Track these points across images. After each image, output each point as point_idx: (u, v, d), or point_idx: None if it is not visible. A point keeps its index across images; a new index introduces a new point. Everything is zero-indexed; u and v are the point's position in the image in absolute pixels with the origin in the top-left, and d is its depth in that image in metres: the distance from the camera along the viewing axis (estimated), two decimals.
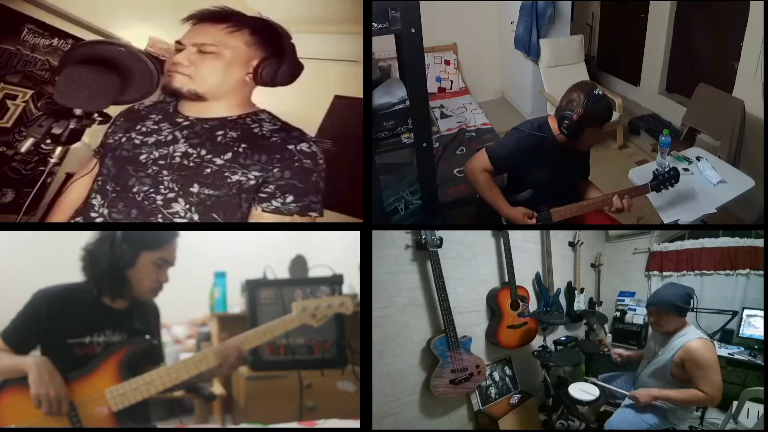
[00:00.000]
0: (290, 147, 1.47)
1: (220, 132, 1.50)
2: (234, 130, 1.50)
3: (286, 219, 1.48)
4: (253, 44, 1.54)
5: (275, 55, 1.56)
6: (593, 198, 2.20)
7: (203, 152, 1.46)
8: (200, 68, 1.48)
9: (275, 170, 1.45)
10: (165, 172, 1.45)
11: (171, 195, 1.44)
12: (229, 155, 1.45)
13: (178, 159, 1.45)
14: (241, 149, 1.46)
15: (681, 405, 1.89)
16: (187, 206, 1.44)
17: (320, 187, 1.51)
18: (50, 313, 1.55)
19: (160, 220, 1.45)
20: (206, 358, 1.58)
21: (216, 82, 1.50)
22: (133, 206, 1.45)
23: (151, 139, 1.51)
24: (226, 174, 1.44)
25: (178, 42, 1.53)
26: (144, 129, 1.54)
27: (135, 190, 1.45)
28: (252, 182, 1.45)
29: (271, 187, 1.46)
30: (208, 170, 1.44)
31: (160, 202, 1.44)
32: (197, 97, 1.50)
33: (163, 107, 1.60)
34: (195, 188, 1.43)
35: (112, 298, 1.62)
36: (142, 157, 1.48)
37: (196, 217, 1.46)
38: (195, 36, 1.51)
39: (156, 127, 1.54)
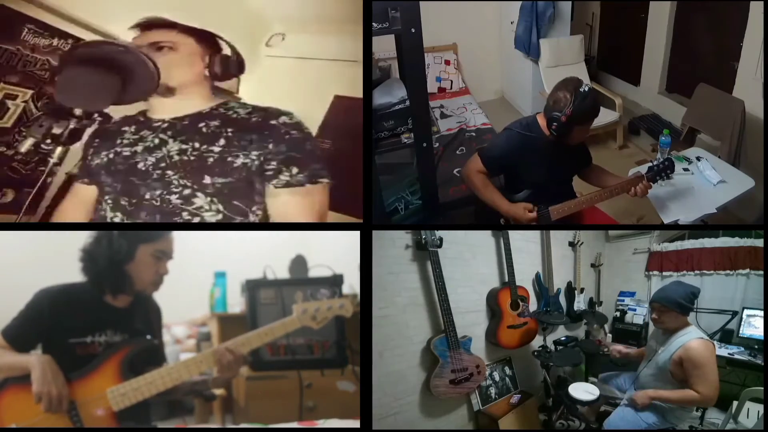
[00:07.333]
0: (273, 122, 1.52)
1: (202, 124, 1.53)
2: (213, 119, 1.55)
3: (301, 190, 1.49)
4: (201, 42, 1.62)
5: (218, 51, 1.66)
6: (590, 193, 2.20)
7: (197, 144, 1.49)
8: (161, 62, 1.50)
9: (270, 145, 1.48)
10: (170, 172, 1.47)
11: (186, 192, 1.46)
12: (222, 141, 1.49)
13: (176, 156, 1.48)
14: (230, 133, 1.50)
15: (677, 405, 1.88)
16: (209, 199, 1.47)
17: (318, 155, 1.54)
18: (52, 312, 1.55)
19: (186, 217, 1.46)
20: (206, 359, 1.58)
21: (180, 73, 1.56)
22: (156, 212, 1.47)
23: (139, 148, 1.53)
24: (229, 159, 1.47)
25: None
26: (126, 141, 1.57)
27: (148, 197, 1.47)
28: (256, 162, 1.48)
29: (273, 162, 1.49)
30: (211, 159, 1.47)
31: (177, 201, 1.46)
32: (168, 91, 1.55)
33: (133, 119, 1.64)
34: (207, 180, 1.46)
35: (114, 294, 1.62)
36: (140, 165, 1.50)
37: (221, 207, 1.48)
38: (147, 38, 1.57)
39: (137, 136, 1.58)
